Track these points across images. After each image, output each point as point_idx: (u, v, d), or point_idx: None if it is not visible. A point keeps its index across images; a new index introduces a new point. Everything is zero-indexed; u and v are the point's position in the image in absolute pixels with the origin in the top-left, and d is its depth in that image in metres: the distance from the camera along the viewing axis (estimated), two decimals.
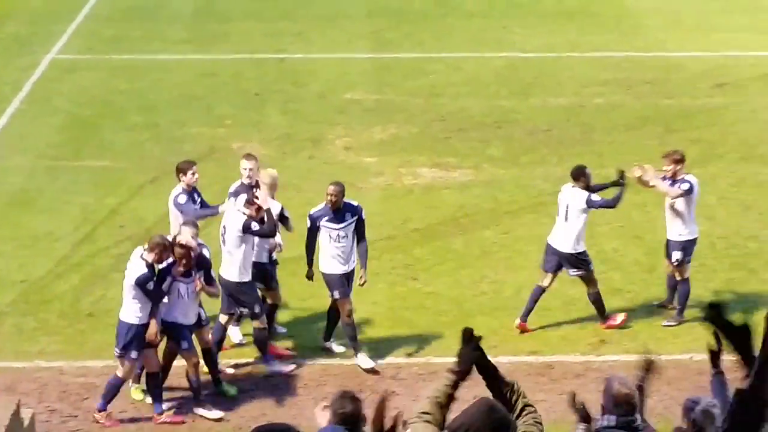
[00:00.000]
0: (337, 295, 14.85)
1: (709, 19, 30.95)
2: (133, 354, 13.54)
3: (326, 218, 14.70)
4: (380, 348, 15.35)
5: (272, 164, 21.42)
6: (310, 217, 14.84)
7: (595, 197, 15.44)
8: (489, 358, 6.94)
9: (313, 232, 14.85)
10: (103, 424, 13.52)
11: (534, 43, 29.14)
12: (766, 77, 26.38)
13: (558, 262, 15.49)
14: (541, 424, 7.41)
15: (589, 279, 15.60)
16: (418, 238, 18.64)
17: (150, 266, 13.44)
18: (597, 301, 15.65)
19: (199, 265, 13.78)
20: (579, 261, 15.48)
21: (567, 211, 15.36)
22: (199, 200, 15.29)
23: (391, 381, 14.58)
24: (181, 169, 15.26)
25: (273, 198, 14.87)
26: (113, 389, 13.67)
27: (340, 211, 14.72)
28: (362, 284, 15.03)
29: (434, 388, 7.22)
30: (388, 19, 31.09)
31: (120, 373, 13.67)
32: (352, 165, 21.41)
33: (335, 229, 14.66)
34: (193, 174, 15.18)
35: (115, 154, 22.01)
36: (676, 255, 15.60)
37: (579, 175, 15.59)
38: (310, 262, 14.98)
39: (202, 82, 26.39)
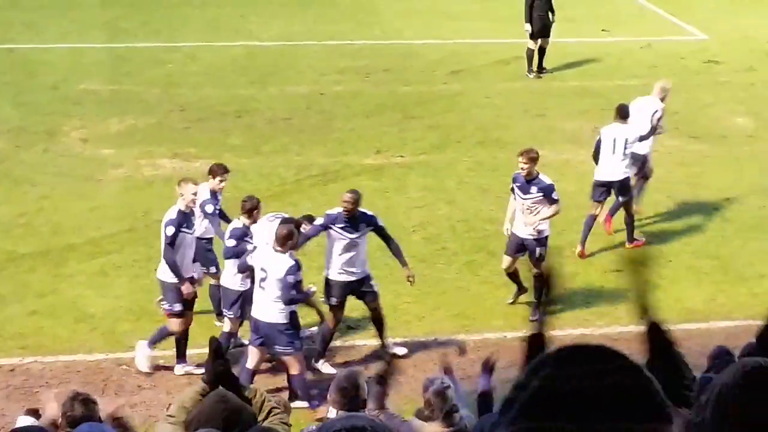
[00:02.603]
0: (334, 301, 14.48)
1: (443, 8, 31.52)
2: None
3: (339, 225, 14.30)
4: (124, 341, 14.95)
5: (5, 158, 20.77)
6: (326, 216, 14.45)
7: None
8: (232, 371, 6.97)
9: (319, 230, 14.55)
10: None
11: (271, 32, 29.07)
12: (498, 64, 27.05)
13: (608, 191, 17.75)
14: (287, 425, 7.50)
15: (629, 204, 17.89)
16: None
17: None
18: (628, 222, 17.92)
19: None
20: (626, 186, 17.75)
21: (615, 145, 17.49)
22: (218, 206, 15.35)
23: (143, 377, 14.25)
24: (212, 171, 15.39)
25: None
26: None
27: (354, 220, 14.33)
28: (411, 281, 14.96)
29: (185, 394, 7.23)
30: (122, 8, 30.43)
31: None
32: (89, 157, 20.85)
33: (347, 238, 14.32)
34: (221, 181, 15.28)
35: None
36: (541, 250, 15.66)
37: (626, 114, 17.83)
38: None
39: None
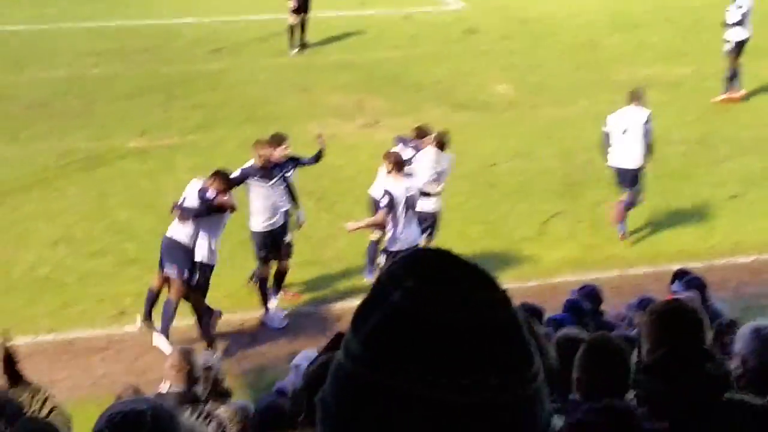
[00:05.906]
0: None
1: None
2: None
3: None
4: None
5: None
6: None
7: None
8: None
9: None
10: None
11: (22, 15, 28.16)
12: (259, 40, 26.88)
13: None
14: (69, 421, 7.43)
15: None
16: None
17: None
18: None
19: None
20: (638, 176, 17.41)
21: (627, 130, 17.16)
22: None
23: None
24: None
25: None
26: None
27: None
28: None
29: None
30: None
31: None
32: None
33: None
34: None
35: None
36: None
37: (641, 95, 17.48)
38: None
39: None
